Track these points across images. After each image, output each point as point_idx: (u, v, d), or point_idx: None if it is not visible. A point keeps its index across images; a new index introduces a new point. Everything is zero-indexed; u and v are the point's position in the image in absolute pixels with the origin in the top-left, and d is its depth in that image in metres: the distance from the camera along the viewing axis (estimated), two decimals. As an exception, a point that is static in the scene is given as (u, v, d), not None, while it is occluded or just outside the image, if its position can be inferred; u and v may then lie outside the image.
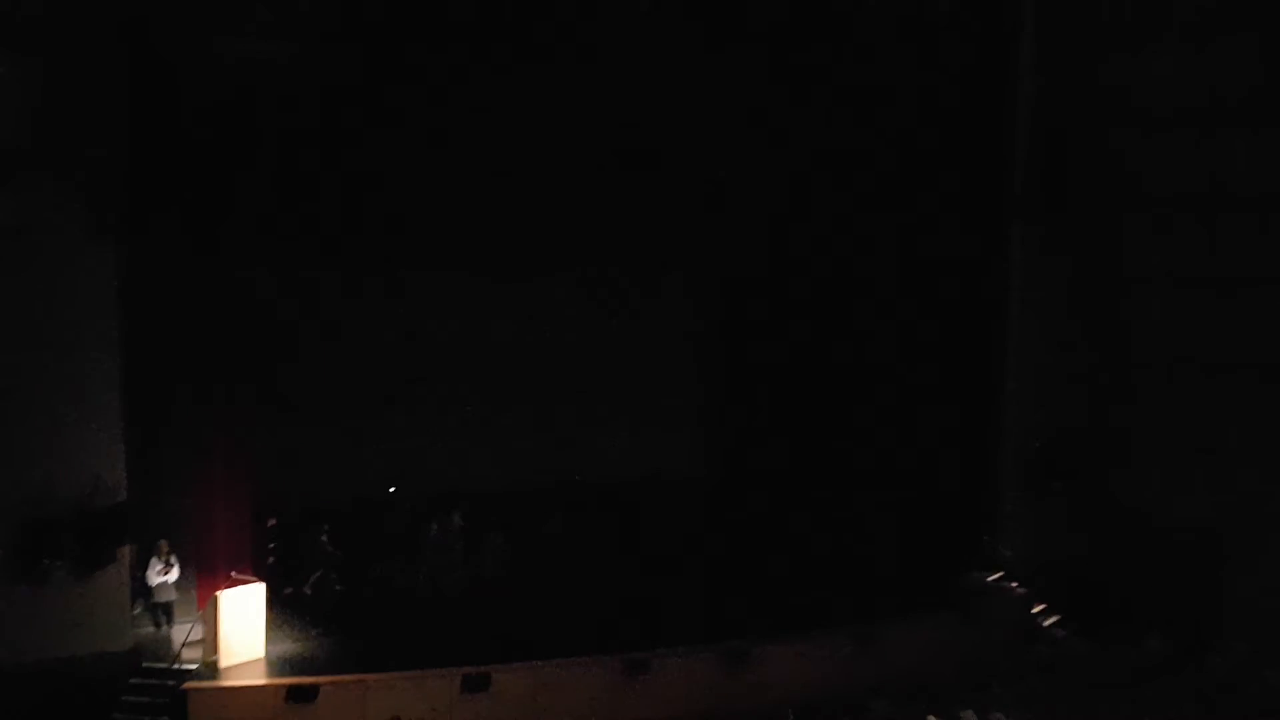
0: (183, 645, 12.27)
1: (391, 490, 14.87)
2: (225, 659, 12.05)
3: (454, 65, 13.88)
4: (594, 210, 15.01)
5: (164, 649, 12.43)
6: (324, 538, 14.02)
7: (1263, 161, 13.79)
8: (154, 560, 12.66)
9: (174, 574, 12.72)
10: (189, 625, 12.53)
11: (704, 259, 16.34)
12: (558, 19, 14.03)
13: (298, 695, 11.66)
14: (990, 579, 15.23)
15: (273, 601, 12.89)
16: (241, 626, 12.23)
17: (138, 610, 12.85)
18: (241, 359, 13.04)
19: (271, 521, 13.82)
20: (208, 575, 12.68)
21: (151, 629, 12.82)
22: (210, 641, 12.13)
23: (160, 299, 12.82)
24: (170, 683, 11.67)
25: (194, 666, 12.03)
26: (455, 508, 14.62)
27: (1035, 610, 14.91)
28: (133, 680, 11.71)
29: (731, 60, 14.84)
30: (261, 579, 12.72)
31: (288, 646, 12.74)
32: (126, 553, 12.39)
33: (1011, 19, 15.76)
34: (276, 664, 12.34)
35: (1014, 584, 15.14)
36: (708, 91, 14.87)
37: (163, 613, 12.82)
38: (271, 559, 13.79)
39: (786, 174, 15.59)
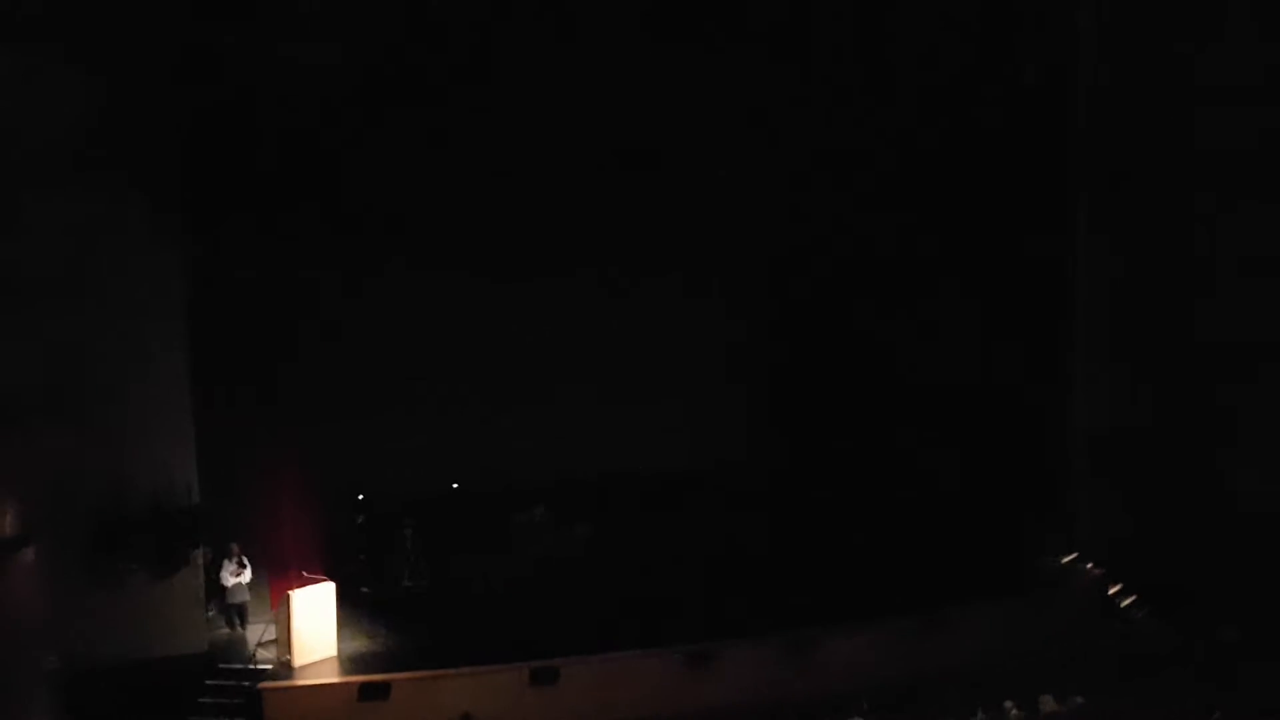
0: (257, 645, 12.41)
1: (455, 486, 14.93)
2: (299, 658, 12.20)
3: (461, 65, 13.98)
4: (631, 204, 15.05)
5: (238, 649, 12.62)
6: (408, 532, 14.16)
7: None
8: (226, 562, 12.85)
9: (246, 575, 12.90)
10: (262, 626, 12.69)
11: (762, 250, 16.17)
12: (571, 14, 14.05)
13: (370, 693, 11.78)
14: (1065, 560, 14.95)
15: (355, 599, 13.10)
16: (313, 625, 12.37)
17: (212, 612, 13.03)
18: (307, 358, 13.22)
19: (360, 519, 14.08)
20: (279, 575, 12.87)
21: (226, 630, 13.02)
22: (283, 641, 12.28)
23: (225, 300, 12.99)
24: (245, 683, 11.84)
25: (268, 666, 12.18)
26: (539, 501, 14.73)
27: (1112, 591, 14.63)
28: (208, 681, 11.91)
29: (754, 47, 14.72)
30: (335, 577, 12.84)
31: (360, 644, 12.86)
32: (200, 555, 12.58)
33: None
34: (348, 662, 12.46)
35: (1089, 565, 14.85)
36: (737, 78, 14.76)
37: (236, 614, 13.01)
38: (362, 555, 14.05)
39: (842, 157, 15.42)
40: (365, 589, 14.05)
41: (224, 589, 12.92)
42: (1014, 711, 11.89)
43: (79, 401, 11.63)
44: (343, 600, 12.91)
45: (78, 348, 11.55)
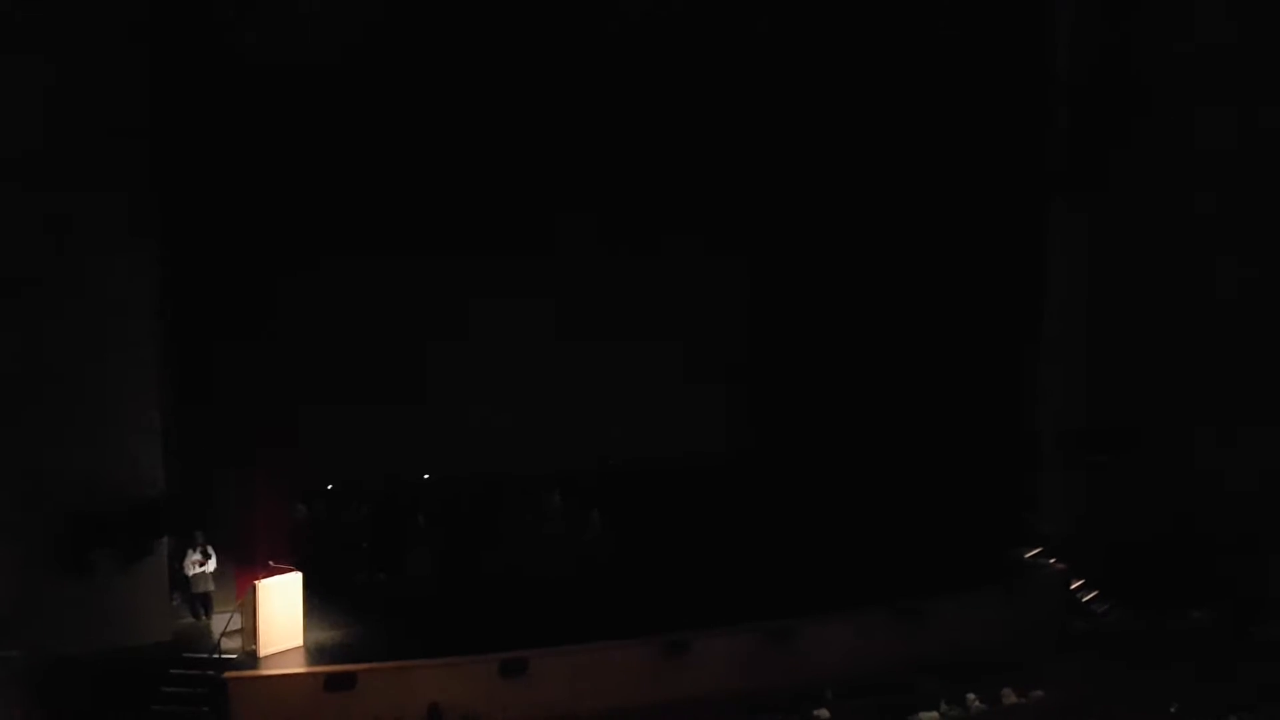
0: (222, 635, 12.30)
1: (425, 477, 14.88)
2: (264, 648, 12.10)
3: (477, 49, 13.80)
4: (632, 187, 15.00)
5: (204, 639, 12.48)
6: (421, 520, 14.24)
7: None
8: (190, 551, 12.72)
9: (211, 565, 12.76)
10: (228, 615, 12.57)
11: (741, 240, 16.18)
12: None
13: (336, 683, 11.67)
14: (1030, 555, 15.11)
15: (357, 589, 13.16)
16: (280, 615, 12.27)
17: (176, 602, 12.91)
18: (276, 348, 13.06)
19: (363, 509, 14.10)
20: (246, 565, 12.70)
21: (191, 620, 12.88)
22: (249, 631, 12.19)
23: (195, 293, 12.86)
24: (210, 672, 11.71)
25: (234, 656, 12.08)
26: (553, 488, 14.81)
27: (1075, 586, 14.81)
28: (173, 670, 11.77)
29: (755, 36, 14.67)
30: (311, 566, 12.77)
31: (326, 634, 12.78)
32: (164, 544, 12.46)
33: None
34: (315, 652, 12.37)
35: (1053, 560, 15.01)
36: (730, 67, 14.70)
37: (200, 604, 12.88)
38: (366, 544, 14.09)
39: (820, 152, 15.43)
40: (381, 575, 14.03)
41: (187, 578, 12.80)
42: (976, 703, 12.07)
43: (43, 394, 11.59)
44: (340, 590, 12.91)
45: (42, 342, 11.50)
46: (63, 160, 11.57)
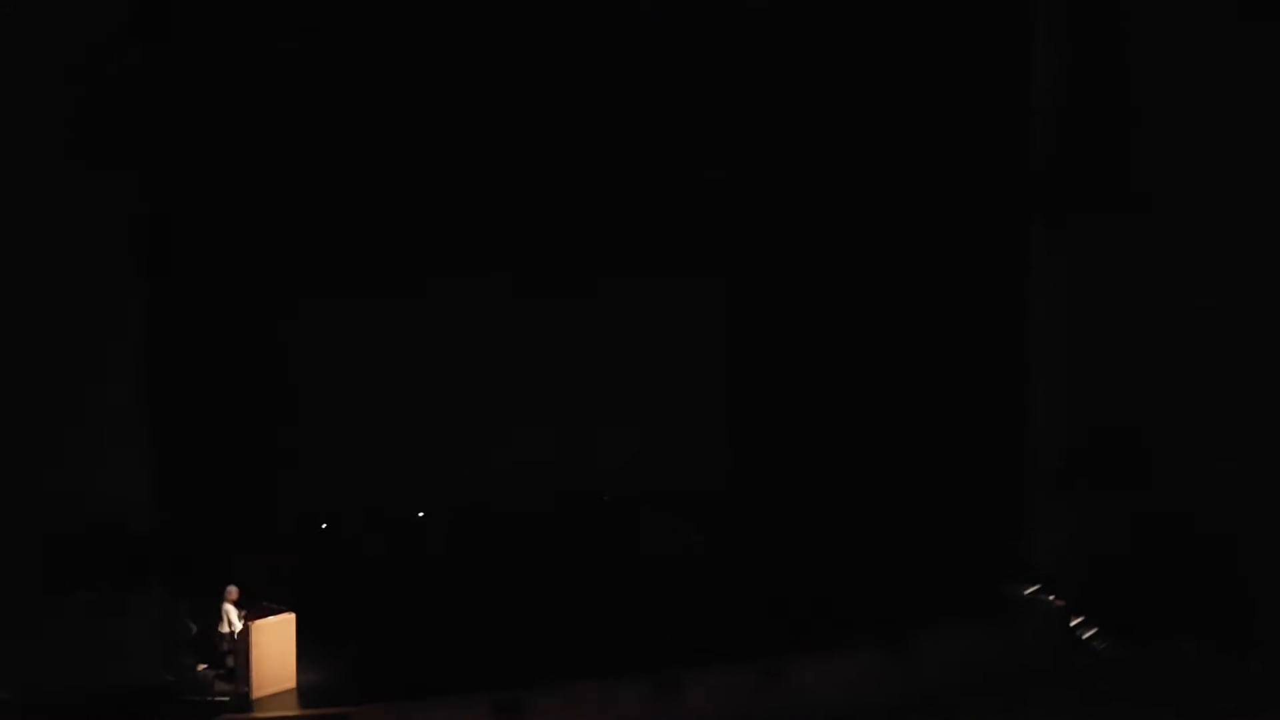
0: (215, 677, 12.34)
1: (420, 515, 14.97)
2: (257, 690, 12.07)
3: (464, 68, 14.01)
4: (614, 217, 15.10)
5: (196, 682, 12.44)
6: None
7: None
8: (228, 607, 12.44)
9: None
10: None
11: (717, 263, 16.23)
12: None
13: (329, 722, 11.71)
14: (1027, 591, 14.99)
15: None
16: (273, 656, 12.24)
17: (211, 671, 12.66)
18: (271, 376, 13.13)
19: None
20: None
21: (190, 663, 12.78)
22: (242, 673, 12.18)
23: (184, 317, 12.87)
24: (201, 716, 11.73)
25: (225, 699, 12.06)
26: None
27: (1073, 623, 14.67)
28: (165, 714, 11.79)
29: (734, 56, 14.81)
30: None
31: (318, 676, 12.77)
32: (156, 584, 12.46)
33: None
34: (308, 694, 12.35)
35: (1051, 595, 14.89)
36: (706, 88, 14.83)
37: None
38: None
39: (799, 174, 15.52)
40: None
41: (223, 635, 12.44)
42: (973, 742, 11.96)
43: (23, 417, 11.55)
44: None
45: (24, 362, 11.42)
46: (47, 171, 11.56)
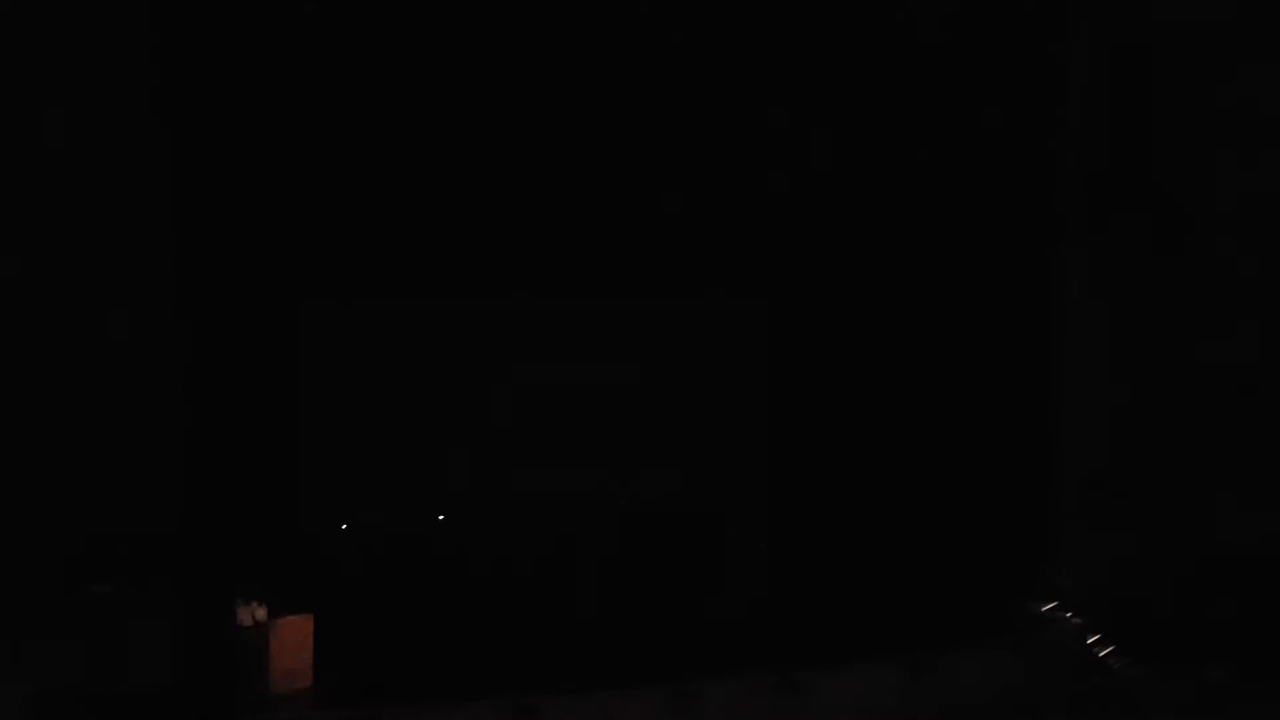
0: (232, 678, 12.32)
1: (440, 518, 14.91)
2: (274, 690, 12.04)
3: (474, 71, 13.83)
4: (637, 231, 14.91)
5: (213, 682, 12.38)
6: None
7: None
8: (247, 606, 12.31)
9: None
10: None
11: (739, 280, 16.09)
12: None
13: (344, 726, 11.70)
14: (1046, 609, 14.94)
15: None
16: (290, 657, 12.22)
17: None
18: (296, 374, 13.09)
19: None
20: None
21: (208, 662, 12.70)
22: (260, 673, 12.07)
23: (212, 312, 12.77)
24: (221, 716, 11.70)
25: (242, 699, 12.01)
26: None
27: (1091, 640, 14.62)
28: (183, 713, 11.78)
29: (761, 68, 14.70)
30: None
31: (335, 677, 12.73)
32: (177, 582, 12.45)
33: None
34: (327, 693, 12.35)
35: (1070, 614, 14.84)
36: (729, 105, 14.71)
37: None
38: None
39: (827, 193, 15.39)
40: None
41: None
42: (992, 760, 11.93)
43: (48, 405, 11.48)
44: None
45: (51, 354, 11.41)
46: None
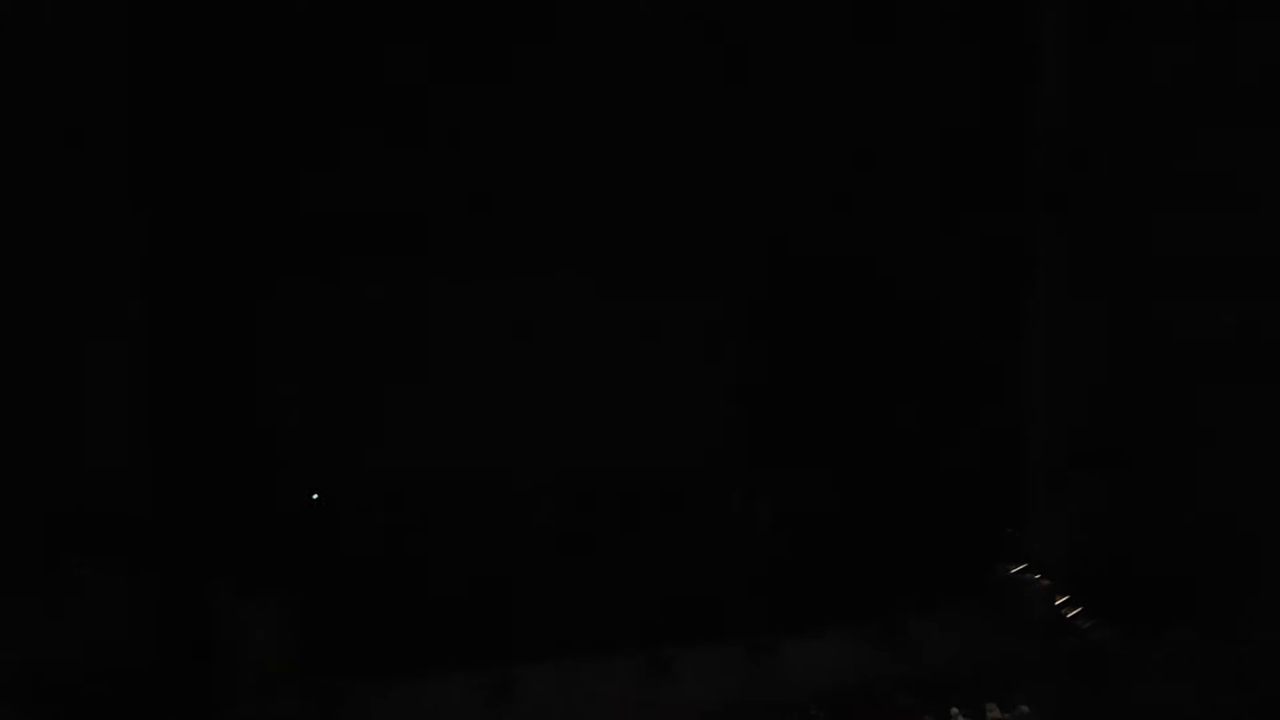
0: (209, 656, 12.39)
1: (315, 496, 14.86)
2: (247, 668, 12.13)
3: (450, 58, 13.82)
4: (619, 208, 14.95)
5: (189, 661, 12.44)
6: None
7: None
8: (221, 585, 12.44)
9: None
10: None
11: (715, 257, 16.16)
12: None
13: (325, 697, 11.80)
14: (1015, 571, 15.13)
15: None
16: (265, 634, 12.35)
17: None
18: (272, 352, 13.09)
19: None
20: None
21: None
22: (234, 651, 12.22)
23: (190, 278, 12.66)
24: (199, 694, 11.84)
25: (217, 677, 12.13)
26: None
27: (1060, 601, 14.82)
28: (162, 689, 11.88)
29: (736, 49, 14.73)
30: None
31: (309, 653, 12.81)
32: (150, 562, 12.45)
33: None
34: (299, 671, 12.42)
35: (1039, 576, 15.03)
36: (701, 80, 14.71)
37: None
38: None
39: (800, 163, 15.43)
40: None
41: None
42: (960, 718, 12.15)
43: (15, 379, 11.38)
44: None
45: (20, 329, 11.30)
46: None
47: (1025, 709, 12.36)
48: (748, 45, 14.96)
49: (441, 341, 15.05)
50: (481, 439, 15.13)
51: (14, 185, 11.54)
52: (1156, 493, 15.14)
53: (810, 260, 15.91)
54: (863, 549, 14.99)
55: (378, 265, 14.29)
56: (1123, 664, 13.64)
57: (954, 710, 12.21)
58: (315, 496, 14.31)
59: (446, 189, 14.39)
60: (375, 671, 12.19)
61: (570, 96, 14.60)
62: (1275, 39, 13.86)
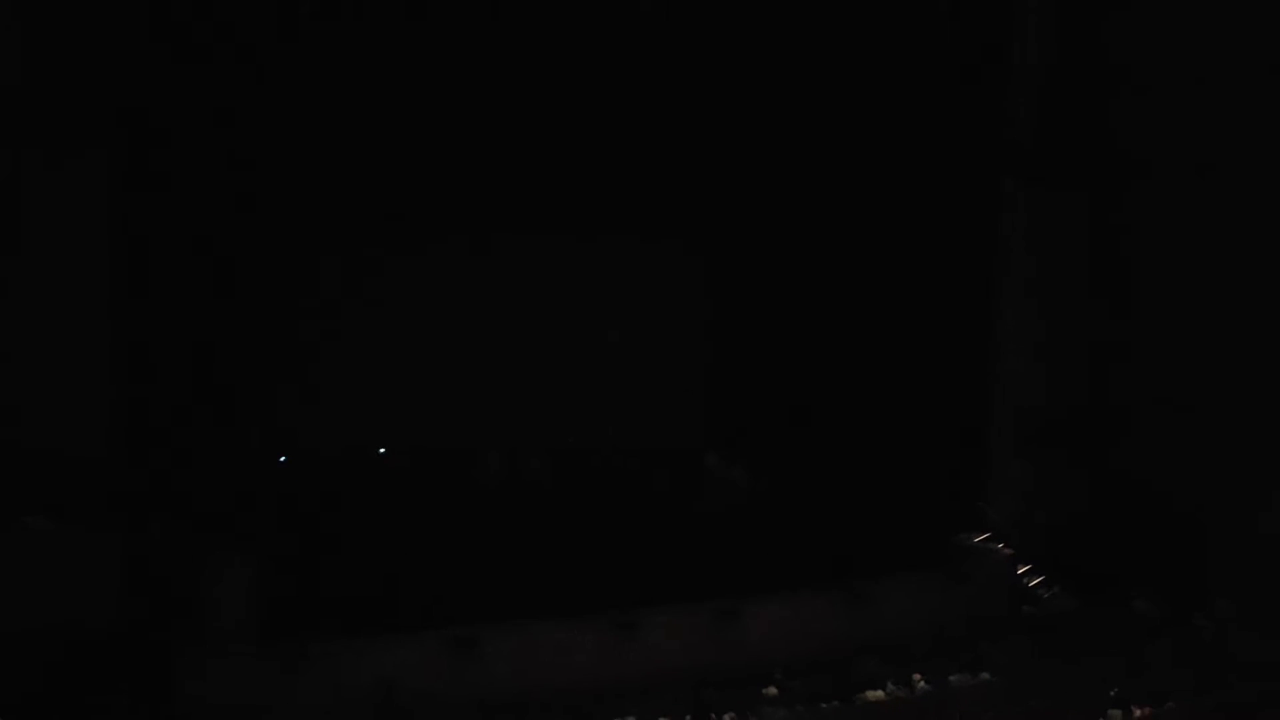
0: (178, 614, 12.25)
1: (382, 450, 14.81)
2: (215, 626, 11.89)
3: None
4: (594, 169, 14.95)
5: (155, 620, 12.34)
6: None
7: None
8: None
9: None
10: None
11: (682, 224, 16.16)
12: None
13: (285, 658, 11.70)
14: (977, 540, 15.28)
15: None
16: (232, 592, 12.13)
17: None
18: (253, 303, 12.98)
19: None
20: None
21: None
22: (201, 609, 12.00)
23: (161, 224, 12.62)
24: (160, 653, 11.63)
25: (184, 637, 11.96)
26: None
27: (1021, 571, 15.00)
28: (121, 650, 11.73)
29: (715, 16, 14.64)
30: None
31: (276, 611, 12.72)
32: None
33: None
34: (265, 629, 12.28)
35: (1001, 545, 15.19)
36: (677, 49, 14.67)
37: None
38: None
39: (770, 135, 15.42)
40: None
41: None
42: (921, 684, 12.26)
43: None
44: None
45: None
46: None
47: (986, 675, 12.48)
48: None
49: (399, 305, 15.03)
50: (444, 401, 15.14)
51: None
52: (1110, 468, 15.38)
53: (776, 226, 16.05)
54: (829, 516, 14.99)
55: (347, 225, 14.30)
56: (1081, 632, 13.86)
57: (915, 676, 12.30)
58: (282, 459, 14.24)
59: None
60: (342, 634, 12.07)
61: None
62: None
